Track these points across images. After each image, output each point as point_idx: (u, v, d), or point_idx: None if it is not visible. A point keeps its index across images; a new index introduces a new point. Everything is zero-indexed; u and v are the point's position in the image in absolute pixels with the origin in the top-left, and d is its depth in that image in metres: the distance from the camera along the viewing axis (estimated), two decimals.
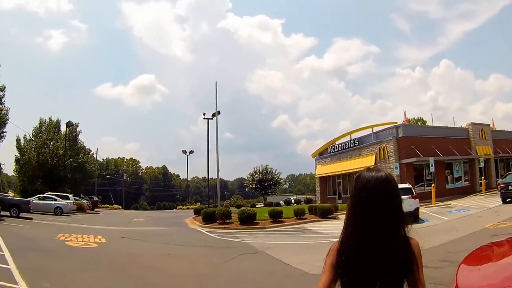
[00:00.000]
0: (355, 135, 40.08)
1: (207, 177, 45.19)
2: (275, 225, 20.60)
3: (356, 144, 38.96)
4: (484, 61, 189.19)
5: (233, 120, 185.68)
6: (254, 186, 55.97)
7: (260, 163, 60.33)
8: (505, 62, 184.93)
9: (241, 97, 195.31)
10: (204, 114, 39.02)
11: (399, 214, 1.81)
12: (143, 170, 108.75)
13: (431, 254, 9.01)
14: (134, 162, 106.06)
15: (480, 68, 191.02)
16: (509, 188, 22.37)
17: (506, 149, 43.05)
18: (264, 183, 54.90)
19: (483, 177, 34.86)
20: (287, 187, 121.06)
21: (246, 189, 63.16)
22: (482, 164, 36.17)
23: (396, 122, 36.28)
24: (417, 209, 18.89)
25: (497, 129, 45.30)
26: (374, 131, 37.38)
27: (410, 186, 21.45)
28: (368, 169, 1.91)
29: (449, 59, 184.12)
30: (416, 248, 1.81)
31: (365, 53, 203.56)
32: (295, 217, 22.30)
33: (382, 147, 35.09)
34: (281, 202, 45.26)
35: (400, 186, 20.46)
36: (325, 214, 23.06)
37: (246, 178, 60.86)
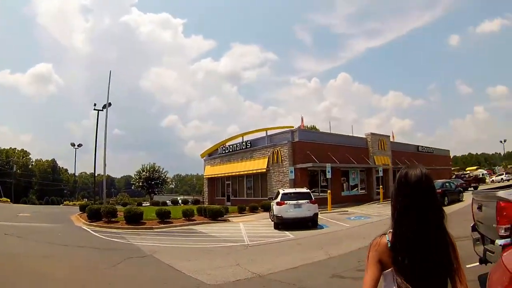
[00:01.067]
0: (248, 137, 36.71)
1: (93, 172, 39.85)
2: (163, 225, 19.25)
3: (248, 146, 35.64)
4: (384, 78, 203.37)
5: (124, 117, 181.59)
6: (141, 184, 52.03)
7: (148, 162, 55.25)
8: (404, 80, 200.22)
9: (134, 94, 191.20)
10: (95, 104, 33.74)
11: (442, 208, 1.87)
12: (33, 163, 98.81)
13: (344, 262, 9.47)
14: (25, 153, 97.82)
15: (378, 84, 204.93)
16: None
17: (405, 160, 42.30)
18: (151, 181, 51.01)
19: (381, 186, 33.83)
20: (173, 187, 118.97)
21: (133, 187, 58.98)
22: (380, 174, 35.23)
23: (293, 127, 33.44)
24: (316, 215, 18.01)
25: (396, 141, 44.58)
26: (268, 134, 34.33)
27: (308, 190, 20.07)
28: (409, 166, 1.95)
29: (348, 73, 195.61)
30: (454, 241, 1.87)
31: (262, 60, 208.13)
32: (183, 218, 20.92)
33: (276, 150, 31.74)
34: (168, 201, 42.58)
35: (298, 190, 19.76)
36: (216, 216, 21.59)
37: (133, 176, 57.15)
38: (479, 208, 6.29)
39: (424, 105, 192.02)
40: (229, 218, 22.69)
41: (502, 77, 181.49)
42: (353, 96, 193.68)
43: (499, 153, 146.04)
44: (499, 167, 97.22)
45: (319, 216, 18.56)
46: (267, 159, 32.65)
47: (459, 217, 10.90)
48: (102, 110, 32.90)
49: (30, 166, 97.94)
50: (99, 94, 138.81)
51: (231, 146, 37.62)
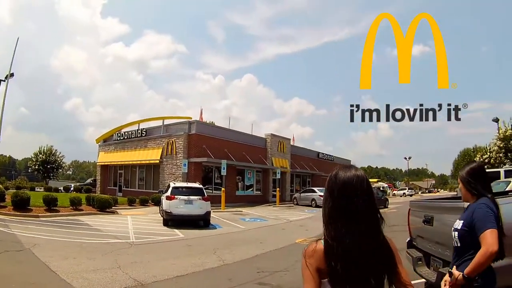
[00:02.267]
0: (144, 125, 34.81)
1: None
2: (49, 214, 17.71)
3: (143, 135, 33.74)
4: (290, 84, 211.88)
5: (31, 95, 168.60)
6: (37, 167, 47.31)
7: (46, 144, 50.82)
8: (311, 89, 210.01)
9: (44, 72, 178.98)
10: None
11: (378, 212, 1.74)
12: None
13: (241, 272, 8.48)
14: None
15: (283, 89, 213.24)
16: None
17: (304, 165, 43.53)
18: (47, 165, 46.69)
19: (278, 189, 34.02)
20: (70, 173, 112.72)
21: (29, 170, 53.42)
22: (278, 176, 35.32)
23: (191, 118, 32.12)
24: (208, 213, 16.89)
25: (297, 145, 45.57)
26: (164, 123, 32.75)
27: (201, 186, 18.53)
28: (344, 166, 1.83)
29: (254, 75, 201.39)
30: (393, 244, 1.77)
31: (172, 51, 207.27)
32: (71, 207, 19.41)
33: (171, 141, 30.41)
34: (61, 188, 38.88)
35: (191, 185, 18.17)
36: (103, 206, 20.15)
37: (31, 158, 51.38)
38: (428, 221, 5.10)
39: (327, 115, 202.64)
40: (117, 210, 21.30)
41: (408, 98, 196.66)
42: (256, 98, 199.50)
43: (400, 169, 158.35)
44: (399, 182, 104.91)
45: (211, 215, 17.68)
46: (161, 149, 31.09)
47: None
48: (4, 81, 29.27)
49: None
50: (8, 67, 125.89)
51: (127, 133, 35.36)
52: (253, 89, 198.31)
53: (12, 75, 28.58)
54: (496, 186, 13.85)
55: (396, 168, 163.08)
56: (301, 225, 18.53)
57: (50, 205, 18.37)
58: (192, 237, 13.74)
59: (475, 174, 2.82)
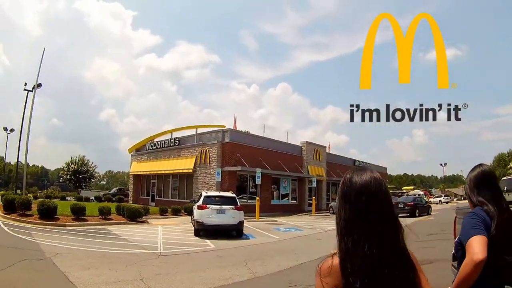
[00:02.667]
0: (177, 134, 34.12)
1: (17, 158, 35.82)
2: (77, 223, 17.36)
3: (176, 144, 33.07)
4: (324, 92, 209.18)
5: (64, 106, 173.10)
6: (68, 177, 47.74)
7: (79, 155, 51.18)
8: (344, 97, 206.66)
9: (76, 83, 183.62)
10: (25, 84, 30.15)
11: (397, 219, 1.54)
12: None
13: (272, 286, 8.15)
14: None
15: (318, 97, 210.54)
16: None
17: (340, 173, 41.87)
18: (79, 175, 47.00)
19: (314, 198, 32.74)
20: (104, 183, 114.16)
21: (61, 180, 54.04)
22: (314, 184, 34.20)
23: (224, 126, 31.15)
24: (241, 223, 16.05)
25: (332, 153, 44.10)
26: (198, 132, 31.94)
27: (234, 195, 17.57)
28: (358, 169, 1.61)
29: (288, 83, 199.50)
30: (414, 256, 1.56)
31: (205, 61, 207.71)
32: (100, 216, 19.03)
33: (205, 150, 29.60)
34: (92, 198, 38.82)
35: (223, 194, 17.48)
36: (134, 216, 19.59)
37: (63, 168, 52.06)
38: None
39: (362, 123, 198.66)
40: (148, 220, 20.71)
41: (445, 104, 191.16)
42: (291, 106, 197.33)
43: (436, 176, 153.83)
44: (435, 189, 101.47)
45: (245, 225, 16.92)
46: (194, 158, 30.36)
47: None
48: (31, 91, 29.58)
49: None
50: (43, 79, 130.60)
51: (159, 143, 34.87)
52: (288, 97, 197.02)
53: (40, 85, 28.73)
54: None
55: (432, 175, 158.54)
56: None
57: (78, 214, 17.95)
58: (223, 247, 12.87)
59: (477, 181, 2.47)
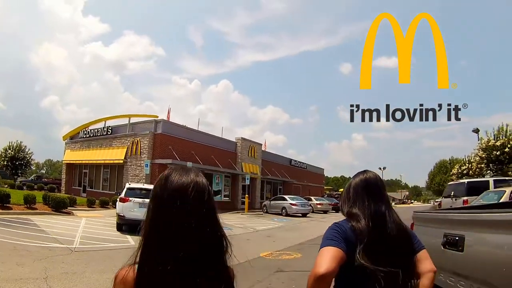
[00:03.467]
0: (111, 123, 33.06)
1: None
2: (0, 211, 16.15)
3: (109, 133, 32.10)
4: (266, 92, 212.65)
5: (9, 89, 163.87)
6: (5, 163, 44.46)
7: (18, 141, 48.02)
8: (286, 98, 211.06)
9: (23, 67, 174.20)
10: None
11: (222, 236, 1.41)
12: None
13: None
14: None
15: (259, 97, 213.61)
16: None
17: (276, 172, 42.47)
18: (16, 161, 44.00)
19: (247, 195, 32.64)
20: (44, 172, 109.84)
21: None
22: (247, 182, 34.07)
23: (157, 116, 30.62)
24: None
25: (269, 151, 44.53)
26: (131, 121, 31.12)
27: None
28: (181, 168, 1.42)
29: (230, 81, 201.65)
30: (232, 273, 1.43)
31: (149, 53, 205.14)
32: (25, 205, 17.84)
33: (136, 140, 28.95)
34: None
35: (148, 186, 16.56)
36: (59, 206, 18.57)
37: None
38: (452, 244, 3.27)
39: (301, 124, 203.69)
40: (74, 211, 19.66)
41: (408, 99, 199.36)
42: (231, 104, 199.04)
43: None
44: None
45: None
46: (125, 149, 29.58)
47: None
48: None
49: None
50: None
51: (93, 131, 33.69)
52: (229, 95, 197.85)
53: None
54: (485, 197, 13.09)
55: None
56: (268, 235, 16.85)
57: (3, 202, 16.84)
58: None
59: (356, 190, 2.00)
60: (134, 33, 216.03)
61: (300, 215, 28.16)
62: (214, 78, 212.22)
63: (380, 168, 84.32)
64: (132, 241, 12.65)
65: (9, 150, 44.79)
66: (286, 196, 31.41)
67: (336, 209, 34.50)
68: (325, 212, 34.67)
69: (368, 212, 1.87)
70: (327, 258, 1.70)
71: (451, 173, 42.32)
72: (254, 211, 33.22)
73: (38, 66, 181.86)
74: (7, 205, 17.00)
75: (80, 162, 34.38)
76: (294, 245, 13.33)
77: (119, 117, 32.48)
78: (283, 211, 28.71)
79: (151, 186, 16.87)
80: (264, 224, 21.66)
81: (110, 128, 32.14)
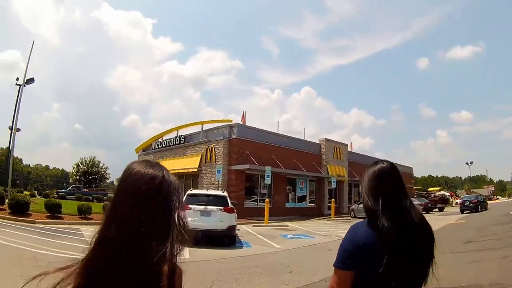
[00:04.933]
0: (183, 132, 29.94)
1: (8, 155, 32.23)
2: (49, 220, 15.51)
3: (182, 142, 28.95)
4: (348, 95, 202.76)
5: (85, 112, 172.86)
6: (78, 178, 44.27)
7: (107, 160, 48.05)
8: (368, 99, 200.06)
9: (98, 90, 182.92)
10: (17, 79, 26.36)
11: (171, 233, 1.19)
12: None
13: None
14: None
15: (342, 101, 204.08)
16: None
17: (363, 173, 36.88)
18: (89, 176, 43.33)
19: (333, 200, 27.88)
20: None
21: (70, 180, 50.74)
22: (333, 185, 29.31)
23: (231, 120, 26.78)
24: (231, 228, 12.70)
25: (354, 151, 39.03)
26: (204, 128, 27.76)
27: (225, 194, 14.22)
28: (146, 161, 1.28)
29: (312, 88, 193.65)
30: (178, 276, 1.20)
31: (228, 67, 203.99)
32: (78, 215, 16.82)
33: (210, 147, 25.41)
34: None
35: (211, 192, 14.54)
36: None
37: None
38: None
39: (386, 125, 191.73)
40: None
41: (467, 103, 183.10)
42: (316, 111, 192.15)
43: (460, 177, 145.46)
44: (460, 190, 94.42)
45: (248, 230, 15.04)
46: (199, 157, 26.25)
47: None
48: (24, 86, 26.23)
49: None
50: (63, 87, 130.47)
51: (165, 141, 30.92)
52: (312, 102, 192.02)
53: (31, 80, 25.19)
54: None
55: (456, 176, 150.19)
56: None
57: (53, 211, 16.15)
58: (199, 259, 9.14)
59: (370, 183, 1.67)
60: (208, 49, 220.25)
61: None
62: (295, 86, 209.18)
63: (467, 163, 74.53)
64: (187, 254, 9.30)
65: (82, 166, 44.22)
66: None
67: (427, 209, 31.39)
68: None
69: (388, 207, 1.56)
70: (336, 283, 1.57)
71: None
72: (341, 216, 28.88)
73: (114, 88, 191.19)
74: (58, 214, 16.26)
75: None
76: None
77: (192, 124, 29.24)
78: None
79: (216, 192, 14.54)
80: None
81: (183, 137, 29.08)
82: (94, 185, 45.39)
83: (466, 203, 31.20)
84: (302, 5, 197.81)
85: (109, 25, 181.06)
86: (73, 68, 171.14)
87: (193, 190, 14.38)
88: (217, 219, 12.32)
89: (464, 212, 29.92)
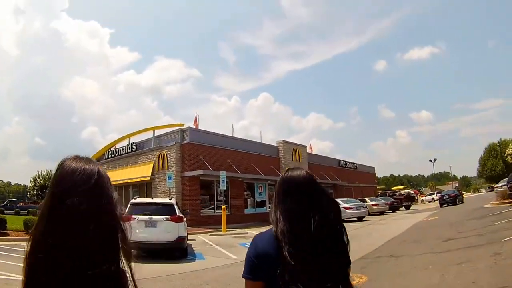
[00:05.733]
0: (135, 138, 28.25)
1: None
2: None
3: (133, 150, 27.15)
4: (306, 100, 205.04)
5: (45, 125, 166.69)
6: (35, 192, 41.39)
7: (50, 169, 44.96)
8: (326, 103, 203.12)
9: (56, 102, 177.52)
10: None
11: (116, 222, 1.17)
12: None
13: None
14: None
15: (300, 106, 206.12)
16: None
17: (324, 175, 36.24)
18: (46, 189, 40.35)
19: None
20: None
21: (28, 195, 47.62)
22: None
23: (183, 125, 25.27)
24: (180, 239, 11.19)
25: (314, 153, 38.31)
26: (155, 134, 26.17)
27: (173, 202, 12.30)
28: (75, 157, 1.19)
29: (269, 93, 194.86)
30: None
31: (185, 76, 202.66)
32: (25, 231, 15.10)
33: (162, 154, 23.88)
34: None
35: (157, 200, 13.10)
36: None
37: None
38: None
39: (345, 128, 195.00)
40: None
41: (426, 103, 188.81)
42: (273, 116, 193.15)
43: (423, 175, 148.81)
44: (424, 188, 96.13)
45: (205, 240, 14.06)
46: (152, 164, 24.65)
47: None
48: None
49: None
50: (23, 100, 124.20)
51: (117, 150, 29.00)
52: (270, 107, 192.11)
53: None
54: None
55: (419, 175, 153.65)
56: None
57: None
58: (141, 277, 7.03)
59: (279, 191, 1.64)
60: (166, 57, 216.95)
61: (355, 219, 23.62)
62: (252, 92, 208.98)
63: (430, 161, 75.64)
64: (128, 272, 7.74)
65: (38, 179, 41.63)
66: (338, 200, 25.27)
67: (392, 208, 31.42)
68: (382, 213, 29.71)
69: (285, 213, 1.53)
70: None
71: (505, 154, 36.52)
72: None
73: (72, 99, 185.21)
74: (3, 231, 14.76)
75: None
76: (354, 262, 8.01)
77: (143, 131, 27.60)
78: None
79: (162, 200, 12.97)
80: None
81: (134, 144, 27.27)
82: (27, 198, 43.06)
83: (445, 197, 33.32)
84: (259, 11, 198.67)
85: (67, 35, 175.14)
86: (32, 80, 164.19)
87: (137, 198, 12.88)
88: (163, 230, 10.84)
89: (443, 206, 31.75)
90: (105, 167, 29.58)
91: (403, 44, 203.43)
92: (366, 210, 25.37)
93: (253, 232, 19.01)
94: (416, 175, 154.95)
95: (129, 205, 11.53)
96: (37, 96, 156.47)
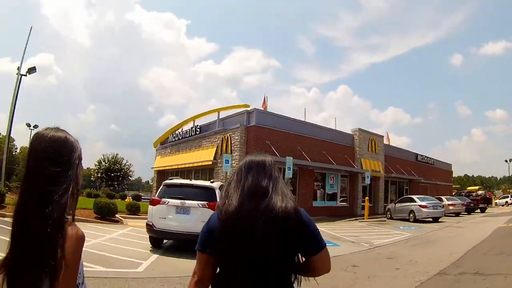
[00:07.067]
0: (200, 121, 25.65)
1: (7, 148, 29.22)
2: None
3: (197, 132, 24.66)
4: (384, 93, 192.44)
5: (120, 113, 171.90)
6: (99, 175, 40.80)
7: (142, 159, 44.78)
8: (404, 98, 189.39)
9: (132, 91, 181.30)
10: (18, 69, 23.14)
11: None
12: (17, 150, 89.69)
13: None
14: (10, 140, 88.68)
15: (378, 99, 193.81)
16: None
17: (401, 169, 31.50)
18: (111, 173, 39.72)
19: (367, 198, 22.78)
20: (155, 185, 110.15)
21: (92, 178, 47.30)
22: (368, 181, 24.20)
23: (249, 106, 22.14)
24: None
25: (392, 145, 33.54)
26: (220, 116, 23.33)
27: (212, 185, 9.18)
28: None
29: (348, 86, 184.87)
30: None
31: (264, 66, 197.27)
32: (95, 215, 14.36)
33: (226, 137, 21.09)
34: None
35: (194, 182, 9.39)
36: (103, 214, 14.24)
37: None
38: None
39: (422, 123, 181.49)
40: (126, 219, 14.99)
41: (502, 101, 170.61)
42: (352, 109, 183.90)
43: (495, 177, 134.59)
44: (497, 190, 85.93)
45: None
46: (215, 148, 22.00)
47: None
48: (26, 76, 23.06)
49: (14, 153, 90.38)
50: (98, 89, 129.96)
51: (181, 133, 26.81)
52: (349, 100, 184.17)
53: (34, 69, 22.16)
54: None
55: (492, 176, 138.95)
56: (389, 256, 9.15)
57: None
58: (155, 275, 6.26)
59: (237, 173, 1.65)
60: (244, 47, 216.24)
61: (431, 219, 20.24)
62: (331, 85, 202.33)
63: (506, 161, 66.12)
64: (146, 265, 7.04)
65: (103, 163, 40.84)
66: (414, 197, 21.93)
67: (468, 210, 27.29)
68: (457, 214, 24.98)
69: (241, 188, 1.53)
70: (198, 265, 1.56)
71: None
72: (376, 217, 23.89)
73: (150, 89, 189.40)
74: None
75: (170, 168, 27.51)
76: (432, 278, 6.56)
77: (208, 113, 24.90)
78: (411, 215, 20.47)
79: (198, 182, 9.63)
80: (385, 235, 13.84)
81: (198, 127, 24.78)
82: (116, 183, 42.17)
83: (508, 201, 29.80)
84: (336, 3, 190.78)
85: (143, 26, 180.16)
86: (107, 70, 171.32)
87: (173, 179, 9.97)
88: (197, 219, 7.97)
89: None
90: (169, 150, 27.78)
91: (477, 38, 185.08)
92: (443, 210, 21.30)
93: (319, 227, 15.49)
94: (489, 177, 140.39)
95: (161, 187, 9.36)
96: (113, 85, 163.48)
